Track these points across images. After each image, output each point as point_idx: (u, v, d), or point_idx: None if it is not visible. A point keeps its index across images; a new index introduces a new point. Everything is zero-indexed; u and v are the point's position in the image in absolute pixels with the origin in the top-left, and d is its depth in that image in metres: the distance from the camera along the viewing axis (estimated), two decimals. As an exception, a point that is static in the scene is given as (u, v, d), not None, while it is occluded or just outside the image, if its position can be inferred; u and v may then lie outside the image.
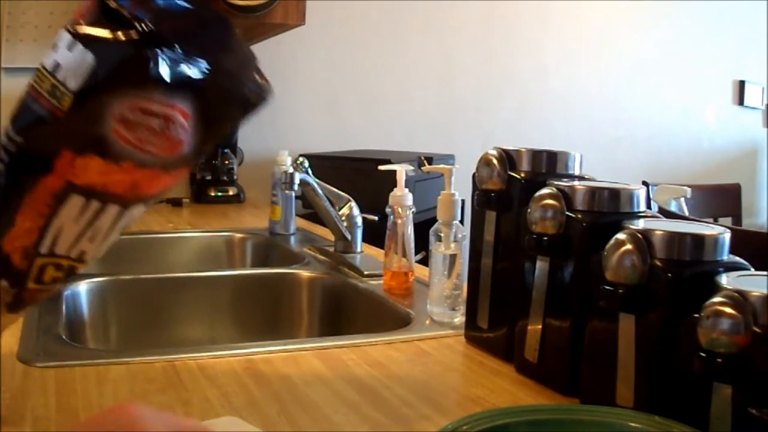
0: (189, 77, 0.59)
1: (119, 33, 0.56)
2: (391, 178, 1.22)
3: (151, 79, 0.57)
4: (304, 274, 1.36)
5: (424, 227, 1.10)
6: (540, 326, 0.80)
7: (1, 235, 0.60)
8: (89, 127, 0.57)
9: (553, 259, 0.79)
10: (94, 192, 0.60)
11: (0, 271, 0.62)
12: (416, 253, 1.22)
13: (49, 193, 0.59)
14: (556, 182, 0.80)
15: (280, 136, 2.56)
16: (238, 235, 1.77)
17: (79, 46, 0.56)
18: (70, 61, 0.56)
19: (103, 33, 0.57)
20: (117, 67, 0.56)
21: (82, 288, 1.21)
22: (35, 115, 0.58)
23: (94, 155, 0.58)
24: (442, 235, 1.02)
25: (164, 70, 0.57)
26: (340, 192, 1.46)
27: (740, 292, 0.58)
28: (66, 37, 0.57)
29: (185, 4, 0.62)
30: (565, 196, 0.78)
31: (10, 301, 0.63)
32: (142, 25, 0.56)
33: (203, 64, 0.60)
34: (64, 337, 0.94)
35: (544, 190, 0.79)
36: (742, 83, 3.59)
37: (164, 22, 0.58)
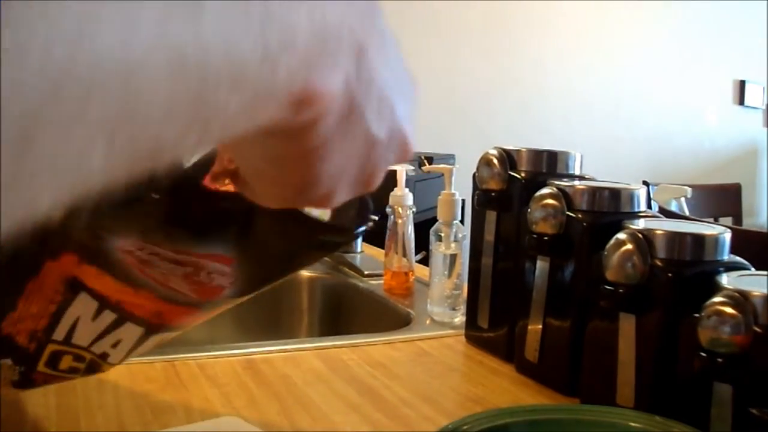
0: (217, 220, 0.46)
1: None
2: (391, 178, 1.22)
3: (167, 225, 0.45)
4: (304, 273, 1.36)
5: (424, 227, 1.10)
6: (540, 326, 0.80)
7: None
8: (93, 245, 0.47)
9: (553, 259, 0.79)
10: (109, 303, 0.50)
11: (1, 351, 0.53)
12: (416, 253, 1.22)
13: (58, 279, 0.49)
14: (556, 182, 0.80)
15: (280, 135, 2.56)
16: (239, 235, 1.76)
17: None
18: None
19: None
20: (123, 201, 0.43)
21: (83, 288, 1.21)
22: None
23: (104, 272, 0.48)
24: (442, 234, 1.02)
25: (186, 213, 0.45)
26: (340, 192, 1.46)
27: (741, 292, 0.58)
28: None
29: None
30: (566, 196, 0.78)
31: (17, 379, 0.55)
32: None
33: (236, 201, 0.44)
34: (64, 336, 0.94)
35: (545, 190, 0.79)
36: (742, 83, 3.59)
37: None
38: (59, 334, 0.52)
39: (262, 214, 0.45)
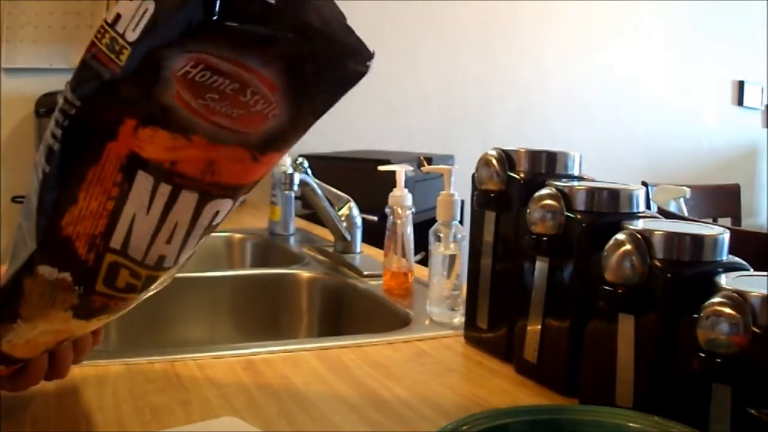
0: (270, 33, 0.49)
1: None
2: (390, 179, 1.22)
3: (218, 30, 0.48)
4: (304, 274, 1.36)
5: (423, 227, 1.10)
6: (539, 326, 0.80)
7: (60, 213, 0.53)
8: (149, 88, 0.49)
9: (552, 259, 0.79)
10: (163, 171, 0.52)
11: (61, 259, 0.54)
12: (416, 254, 1.22)
13: (115, 165, 0.51)
14: (555, 182, 0.80)
15: (279, 136, 2.56)
16: (238, 236, 1.77)
17: None
18: (131, 10, 0.49)
19: None
20: (179, 14, 0.48)
21: (82, 288, 1.21)
22: (93, 72, 0.51)
23: (158, 127, 0.50)
24: (441, 235, 1.02)
25: (236, 21, 0.48)
26: (339, 192, 1.46)
27: (739, 293, 0.58)
28: None
29: None
30: (565, 197, 0.78)
31: (77, 303, 0.56)
32: None
33: (290, 20, 0.50)
34: (63, 337, 0.94)
35: (544, 191, 0.79)
36: (741, 83, 3.59)
37: None
38: (116, 240, 0.53)
39: (296, 40, 0.49)
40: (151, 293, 0.61)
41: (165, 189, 0.53)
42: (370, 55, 0.53)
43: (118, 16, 0.50)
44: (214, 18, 0.47)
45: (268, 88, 0.50)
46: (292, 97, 0.52)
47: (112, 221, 0.53)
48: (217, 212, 0.56)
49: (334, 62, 0.53)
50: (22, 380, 0.66)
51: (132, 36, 0.49)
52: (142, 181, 0.52)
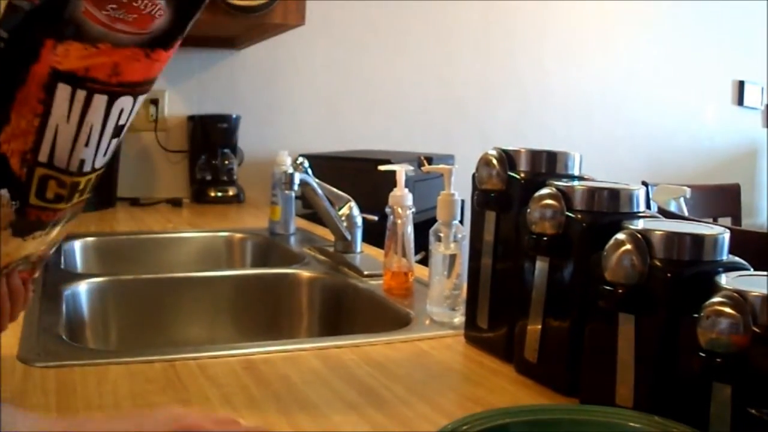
0: None
1: None
2: (390, 178, 1.22)
3: None
4: (304, 274, 1.36)
5: (424, 227, 1.10)
6: (540, 326, 0.80)
7: None
8: (62, 9, 0.59)
9: (552, 259, 0.79)
10: (78, 77, 0.61)
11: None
12: (416, 253, 1.22)
13: (38, 84, 0.60)
14: (555, 182, 0.80)
15: (279, 136, 2.56)
16: (238, 236, 1.77)
17: None
18: None
19: None
20: None
21: (82, 288, 1.21)
22: (16, 7, 0.59)
23: (72, 41, 0.59)
24: (441, 235, 1.02)
25: None
26: (339, 192, 1.46)
27: (739, 292, 0.58)
28: None
29: None
30: (565, 197, 0.78)
31: (14, 219, 0.63)
32: None
33: None
34: (64, 337, 0.94)
35: (544, 191, 0.79)
36: (741, 83, 3.59)
37: None
38: (44, 153, 0.62)
39: None
40: (76, 204, 0.68)
41: (81, 95, 0.61)
42: None
43: None
44: None
45: None
46: None
47: (38, 137, 0.61)
48: (122, 110, 0.65)
49: None
50: None
51: None
52: (62, 92, 0.61)
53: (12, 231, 0.64)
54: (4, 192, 0.62)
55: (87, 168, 0.65)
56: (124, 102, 0.64)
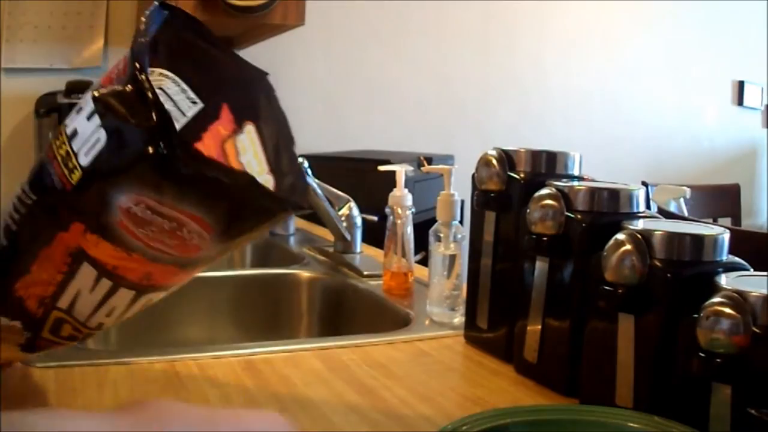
0: (209, 186, 0.52)
1: (136, 119, 0.50)
2: (390, 179, 1.22)
3: (160, 180, 0.51)
4: (304, 274, 1.36)
5: (423, 227, 1.10)
6: (539, 326, 0.80)
7: (13, 280, 0.58)
8: (96, 209, 0.53)
9: (552, 259, 0.79)
10: (106, 270, 0.56)
11: (13, 313, 0.59)
12: (416, 254, 1.22)
13: (64, 251, 0.56)
14: (555, 183, 0.80)
15: (279, 136, 2.56)
16: (238, 236, 1.76)
17: (96, 120, 0.52)
18: (87, 133, 0.52)
19: (120, 112, 0.51)
20: (125, 157, 0.51)
21: (82, 288, 1.21)
22: (48, 178, 0.55)
23: (103, 239, 0.54)
24: (441, 235, 1.02)
25: (176, 173, 0.51)
26: (339, 192, 1.46)
27: (739, 293, 0.58)
28: (89, 103, 0.53)
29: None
30: (565, 197, 0.78)
31: (24, 342, 0.61)
32: (162, 115, 0.50)
33: (231, 174, 0.54)
34: (63, 337, 0.94)
35: (544, 191, 0.79)
36: (741, 83, 3.59)
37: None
38: (63, 302, 0.58)
39: (234, 189, 0.53)
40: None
41: (106, 283, 0.57)
42: (303, 208, 0.60)
43: (75, 132, 0.54)
44: (159, 168, 0.51)
45: (204, 230, 0.54)
46: (224, 236, 0.56)
47: (59, 290, 0.58)
48: (151, 299, 0.61)
49: (268, 213, 0.57)
50: None
51: (84, 160, 0.53)
52: (87, 271, 0.56)
53: (20, 348, 0.62)
54: (17, 323, 0.59)
55: (105, 327, 0.63)
56: (154, 295, 0.61)
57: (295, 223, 1.77)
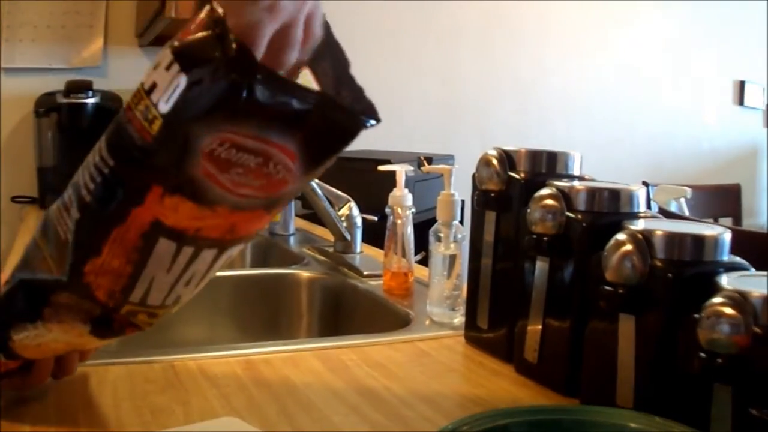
0: (292, 110, 0.52)
1: (218, 52, 0.50)
2: (390, 179, 1.22)
3: (246, 110, 0.51)
4: (304, 274, 1.36)
5: (423, 227, 1.10)
6: (540, 327, 0.80)
7: (83, 259, 0.56)
8: (178, 160, 0.52)
9: (552, 259, 0.79)
10: (186, 237, 0.55)
11: (84, 295, 0.58)
12: (416, 254, 1.22)
13: (137, 231, 0.54)
14: (556, 182, 0.80)
15: (279, 136, 2.56)
16: (238, 236, 1.76)
17: (176, 66, 0.51)
18: (166, 81, 0.51)
19: (201, 51, 0.51)
20: (208, 93, 0.50)
21: (82, 288, 1.21)
22: (128, 136, 0.53)
23: (184, 198, 0.53)
24: (441, 235, 1.02)
25: (261, 101, 0.51)
26: (339, 192, 1.46)
27: (740, 293, 0.58)
28: (167, 55, 0.52)
29: None
30: (565, 197, 0.78)
31: (98, 314, 0.59)
32: (241, 47, 0.50)
33: (309, 95, 0.54)
34: (63, 337, 0.94)
35: (544, 191, 0.79)
36: (742, 83, 3.59)
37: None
38: (135, 297, 0.57)
39: (315, 109, 0.53)
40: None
41: (188, 250, 0.56)
42: (377, 119, 0.58)
43: (154, 85, 0.52)
44: (243, 97, 0.50)
45: (290, 159, 0.54)
46: (308, 162, 0.55)
47: (131, 283, 0.57)
48: (230, 255, 0.60)
49: (347, 133, 0.57)
50: (28, 378, 0.69)
51: (164, 108, 0.51)
52: (165, 246, 0.55)
53: (90, 329, 0.61)
54: (87, 303, 0.58)
55: (184, 300, 0.61)
56: (234, 249, 0.59)
57: (295, 223, 1.77)
